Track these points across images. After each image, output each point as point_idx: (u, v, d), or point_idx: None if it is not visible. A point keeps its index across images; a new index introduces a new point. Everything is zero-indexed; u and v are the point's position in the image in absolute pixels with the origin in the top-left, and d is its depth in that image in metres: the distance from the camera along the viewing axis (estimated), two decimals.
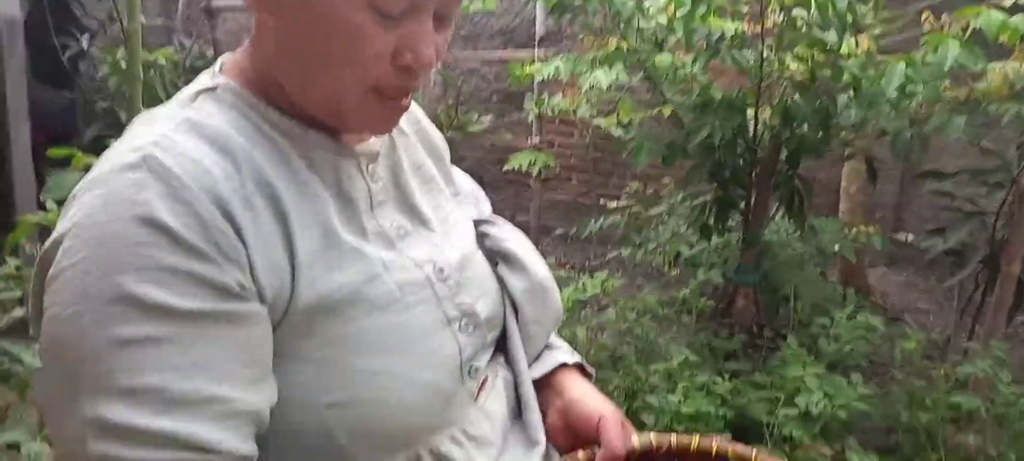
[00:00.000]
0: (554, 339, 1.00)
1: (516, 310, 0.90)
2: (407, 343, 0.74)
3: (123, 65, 4.76)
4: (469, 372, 0.81)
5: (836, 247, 3.07)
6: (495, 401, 0.86)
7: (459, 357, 0.78)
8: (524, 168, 4.31)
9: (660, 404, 2.32)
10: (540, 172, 4.31)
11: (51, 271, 0.64)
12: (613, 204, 3.25)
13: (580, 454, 0.84)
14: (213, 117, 0.71)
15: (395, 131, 0.83)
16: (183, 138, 0.67)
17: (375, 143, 0.80)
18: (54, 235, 0.66)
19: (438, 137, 0.94)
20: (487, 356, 0.86)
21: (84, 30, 5.36)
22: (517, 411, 0.91)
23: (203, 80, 0.75)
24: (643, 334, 2.68)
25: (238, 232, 0.66)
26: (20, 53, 3.58)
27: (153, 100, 3.92)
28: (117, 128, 4.19)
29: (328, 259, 0.71)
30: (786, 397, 2.21)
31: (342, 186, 0.75)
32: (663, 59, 2.56)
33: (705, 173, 2.67)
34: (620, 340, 2.80)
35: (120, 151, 0.67)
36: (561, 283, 2.82)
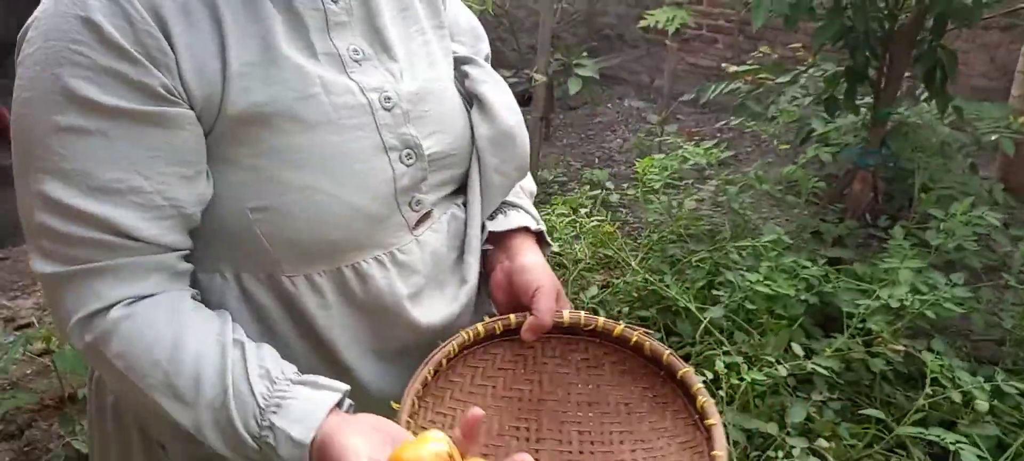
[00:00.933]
0: (524, 200, 1.00)
1: (478, 154, 0.90)
2: (335, 163, 0.75)
3: None
4: (410, 203, 0.82)
5: (993, 137, 2.70)
6: (434, 235, 0.87)
7: (393, 185, 0.80)
8: (661, 25, 4.08)
9: (735, 280, 2.21)
10: (677, 30, 4.06)
11: (18, 57, 0.70)
12: (734, 69, 3.00)
13: (512, 317, 0.86)
14: None
15: None
16: None
17: None
18: (25, 24, 0.71)
19: None
20: (439, 193, 0.87)
21: None
22: (461, 252, 0.91)
23: None
24: (739, 209, 2.53)
25: (168, 37, 0.69)
26: None
27: None
28: None
29: (264, 73, 0.73)
30: (875, 290, 2.03)
31: (293, 5, 0.75)
32: None
33: (831, 36, 2.38)
34: (718, 213, 2.67)
35: None
36: (679, 151, 2.71)
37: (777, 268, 2.27)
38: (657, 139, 2.88)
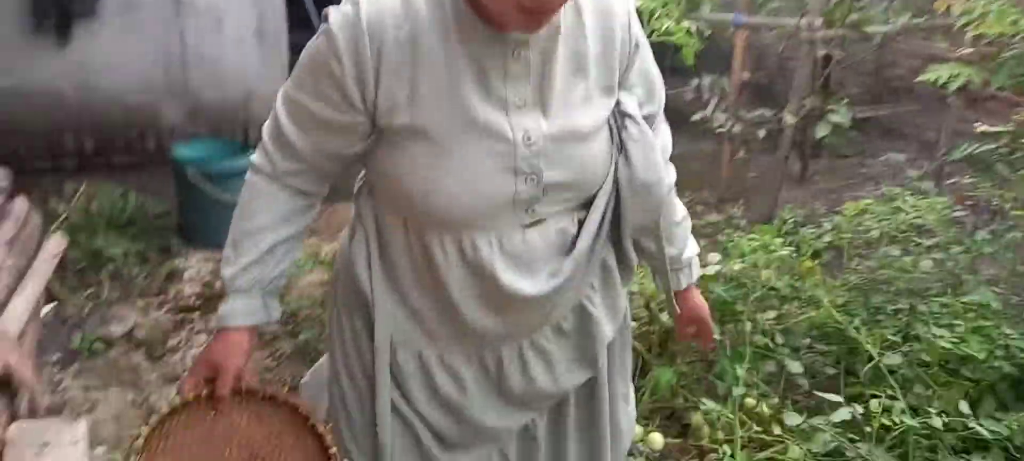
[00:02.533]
0: (685, 255, 1.41)
1: (618, 194, 1.16)
2: (470, 174, 1.07)
3: None
4: (526, 210, 1.11)
5: None
6: (538, 236, 1.15)
7: (512, 196, 1.09)
8: (942, 81, 3.89)
9: (922, 334, 2.21)
10: (961, 88, 3.85)
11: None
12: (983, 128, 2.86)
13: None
14: None
15: (565, 26, 1.08)
16: None
17: (531, 35, 1.04)
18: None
19: (621, 34, 1.14)
20: (555, 208, 1.14)
21: None
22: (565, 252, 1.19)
23: None
24: (955, 270, 2.47)
25: (376, 69, 1.03)
26: None
27: None
28: None
29: (447, 102, 1.05)
30: None
31: (482, 61, 1.05)
32: None
33: None
34: (938, 271, 2.60)
35: None
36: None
37: (976, 331, 2.21)
38: (907, 196, 2.83)
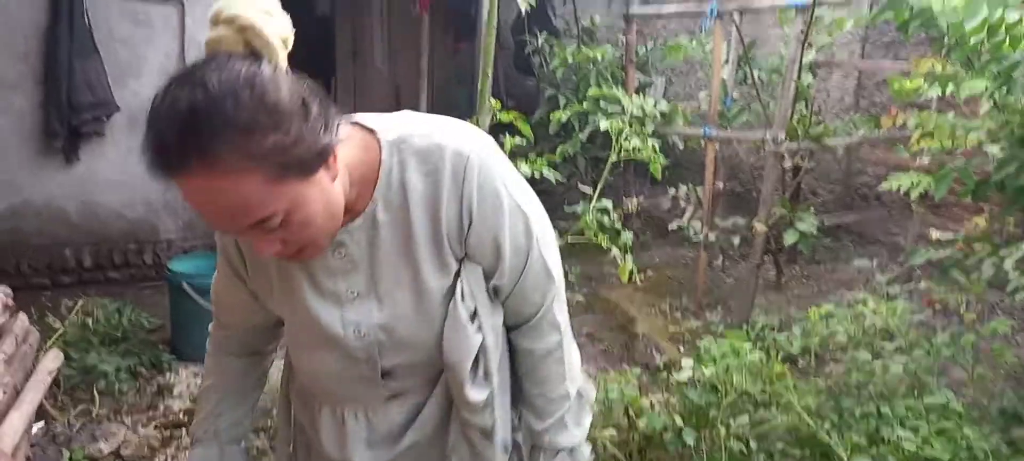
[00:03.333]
0: (550, 437, 1.22)
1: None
2: (319, 357, 1.17)
3: (569, 60, 5.84)
4: (384, 386, 1.16)
5: None
6: (397, 408, 1.19)
7: (360, 377, 1.15)
8: (904, 189, 4.10)
9: (889, 436, 2.30)
10: (921, 196, 4.05)
11: None
12: (948, 236, 3.02)
13: None
14: None
15: (389, 213, 1.05)
16: None
17: (349, 231, 1.05)
18: None
19: (453, 212, 1.04)
20: (413, 381, 1.17)
21: (553, 30, 6.64)
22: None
23: None
24: (915, 371, 2.58)
25: (239, 249, 1.19)
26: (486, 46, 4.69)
27: (587, 88, 4.82)
28: (557, 108, 5.22)
29: (290, 298, 1.14)
30: None
31: (307, 263, 1.09)
32: (975, 84, 2.41)
33: (1018, 212, 2.43)
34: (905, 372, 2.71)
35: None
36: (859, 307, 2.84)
37: (941, 433, 2.30)
38: (869, 300, 2.97)
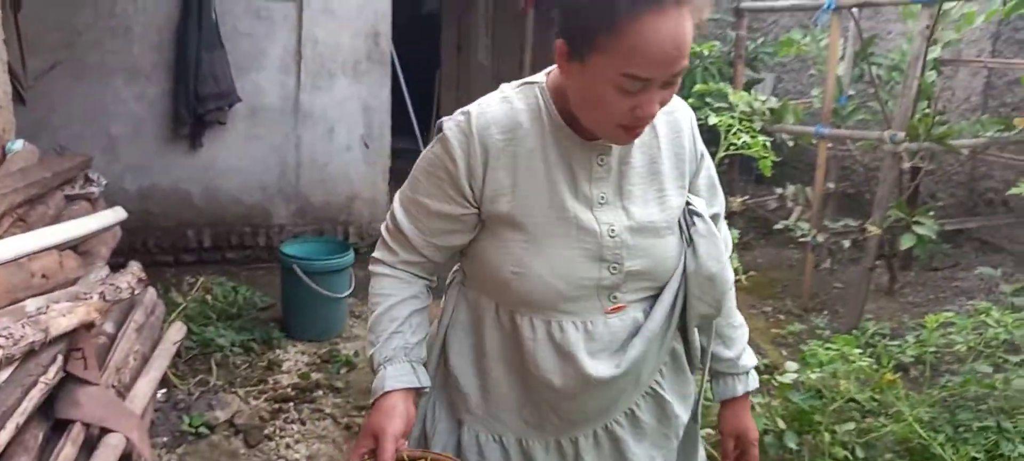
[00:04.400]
0: (743, 361, 1.43)
1: (685, 286, 1.28)
2: (562, 262, 1.21)
3: None
4: (609, 296, 1.24)
5: None
6: (619, 321, 1.27)
7: (598, 281, 1.22)
8: None
9: (1009, 452, 2.16)
10: None
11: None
12: None
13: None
14: (519, 101, 1.22)
15: (641, 138, 1.21)
16: (495, 107, 1.22)
17: (607, 143, 1.21)
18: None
19: (689, 147, 1.30)
20: (635, 295, 1.27)
21: None
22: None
23: (535, 78, 1.25)
24: None
25: (484, 163, 1.20)
26: None
27: (693, 83, 4.78)
28: None
29: (543, 197, 1.21)
30: None
31: (572, 164, 1.21)
32: None
33: None
34: None
35: (475, 102, 1.24)
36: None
37: None
38: (993, 311, 2.79)
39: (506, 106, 1.22)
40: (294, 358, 3.55)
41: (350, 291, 3.79)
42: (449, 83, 7.98)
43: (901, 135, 3.59)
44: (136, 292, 2.50)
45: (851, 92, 4.75)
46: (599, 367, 1.25)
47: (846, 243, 4.16)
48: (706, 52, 5.58)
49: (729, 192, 4.97)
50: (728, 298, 1.36)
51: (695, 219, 1.29)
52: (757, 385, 1.45)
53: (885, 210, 3.67)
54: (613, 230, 1.21)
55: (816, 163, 4.23)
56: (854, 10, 4.17)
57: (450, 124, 1.22)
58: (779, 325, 3.93)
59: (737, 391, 1.43)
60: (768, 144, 2.81)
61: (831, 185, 4.60)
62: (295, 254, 3.75)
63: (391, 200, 1.36)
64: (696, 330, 1.36)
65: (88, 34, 4.20)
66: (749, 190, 5.75)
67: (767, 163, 2.77)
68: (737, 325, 1.44)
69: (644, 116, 1.10)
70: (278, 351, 3.59)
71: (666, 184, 1.27)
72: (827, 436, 2.36)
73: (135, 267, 2.68)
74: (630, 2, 1.01)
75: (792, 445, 2.38)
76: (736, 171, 5.16)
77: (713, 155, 3.89)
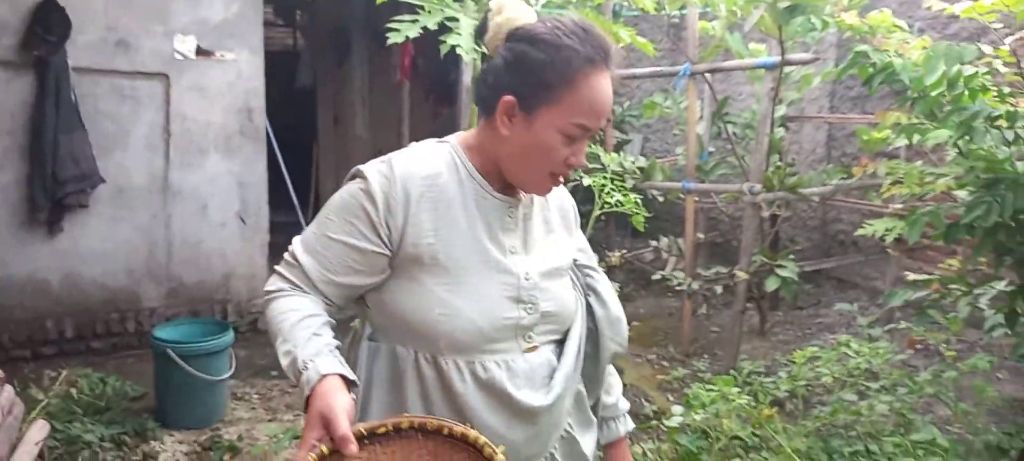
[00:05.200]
0: (620, 405, 1.56)
1: (596, 328, 1.41)
2: (484, 302, 1.27)
3: None
4: (524, 336, 1.32)
5: None
6: (536, 358, 1.34)
7: (516, 321, 1.30)
8: (878, 234, 4.20)
9: None
10: (897, 239, 4.15)
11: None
12: (924, 277, 3.11)
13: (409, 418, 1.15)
14: (435, 156, 1.30)
15: (530, 199, 1.36)
16: (414, 158, 1.29)
17: (519, 198, 1.34)
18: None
19: (570, 206, 1.48)
20: (545, 338, 1.35)
21: None
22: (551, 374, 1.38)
23: (443, 140, 1.35)
24: (899, 410, 2.62)
25: (406, 207, 1.24)
26: (470, 110, 4.73)
27: None
28: None
29: (465, 241, 1.28)
30: None
31: (487, 216, 1.30)
32: (939, 133, 2.52)
33: (988, 252, 2.51)
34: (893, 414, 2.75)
35: (390, 155, 1.30)
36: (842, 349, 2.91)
37: None
38: (851, 343, 3.04)
39: (425, 157, 1.30)
40: (172, 449, 3.34)
41: (230, 372, 3.63)
42: (327, 155, 7.90)
43: (758, 187, 3.88)
44: None
45: (711, 149, 5.09)
46: (531, 397, 1.31)
47: (718, 289, 4.40)
48: None
49: (607, 247, 5.19)
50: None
51: (590, 270, 1.43)
52: (633, 426, 1.58)
53: (751, 256, 3.93)
54: (528, 273, 1.31)
55: (685, 216, 4.48)
56: (707, 75, 4.50)
57: (371, 168, 1.27)
58: (664, 371, 4.08)
59: (620, 432, 1.55)
60: (640, 201, 2.98)
61: (701, 235, 4.88)
62: (168, 338, 3.55)
63: (271, 275, 1.35)
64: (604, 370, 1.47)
65: None
66: (626, 244, 5.99)
67: (639, 219, 2.93)
68: (612, 372, 1.55)
69: (575, 164, 1.26)
70: (153, 443, 3.36)
71: (558, 238, 1.41)
72: None
73: None
74: (584, 61, 1.20)
75: None
76: (612, 227, 5.37)
77: (589, 214, 4.11)
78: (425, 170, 1.28)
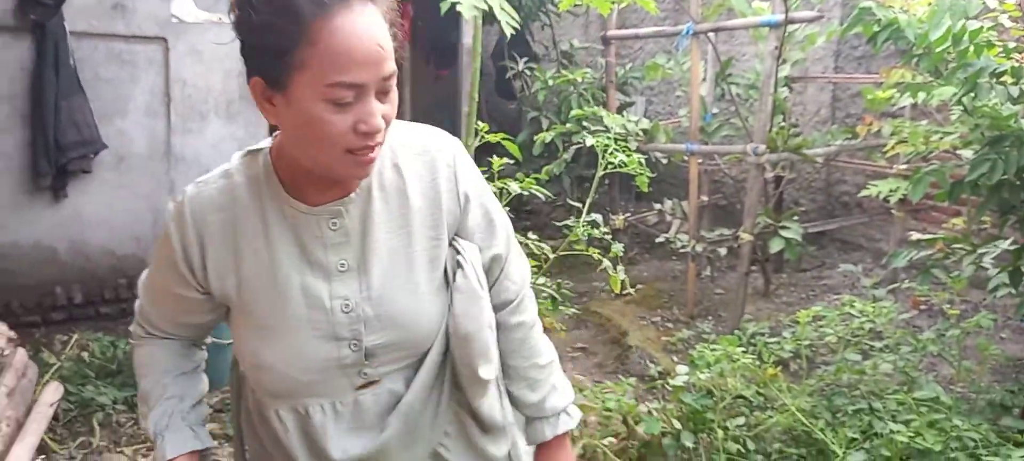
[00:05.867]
0: (549, 403, 1.29)
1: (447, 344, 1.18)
2: (294, 344, 1.11)
3: (550, 83, 5.95)
4: (357, 373, 1.14)
5: None
6: (371, 398, 1.16)
7: (338, 360, 1.12)
8: (882, 195, 4.20)
9: (882, 430, 2.36)
10: (901, 200, 4.15)
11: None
12: (928, 236, 3.12)
13: None
14: (240, 173, 1.12)
15: (384, 188, 1.12)
16: (212, 185, 1.12)
17: (344, 203, 1.09)
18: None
19: (449, 189, 1.16)
20: (390, 368, 1.16)
21: (532, 56, 6.76)
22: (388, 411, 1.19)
23: (263, 143, 1.14)
24: (904, 368, 2.65)
25: (201, 247, 1.11)
26: (472, 71, 4.70)
27: (569, 109, 4.96)
28: (539, 130, 5.33)
29: (267, 278, 1.11)
30: None
31: (300, 234, 1.10)
32: (944, 91, 2.51)
33: (992, 211, 2.52)
34: (897, 374, 2.78)
35: (196, 180, 1.14)
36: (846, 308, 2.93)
37: (932, 425, 2.37)
38: (856, 303, 3.06)
39: (225, 181, 1.12)
40: None
41: None
42: None
43: (762, 148, 3.87)
44: (5, 354, 2.32)
45: (715, 110, 5.06)
46: (348, 447, 1.15)
47: (722, 251, 4.42)
48: (580, 79, 5.84)
49: (611, 210, 5.19)
50: (523, 342, 1.27)
51: (457, 273, 1.17)
52: (572, 426, 1.31)
53: (755, 218, 3.93)
54: (347, 304, 1.11)
55: (689, 178, 4.48)
56: (710, 35, 4.47)
57: (169, 207, 1.14)
58: (668, 333, 4.11)
59: (545, 435, 1.30)
60: (643, 162, 2.97)
61: (705, 198, 4.88)
62: None
63: None
64: (493, 384, 1.23)
65: None
66: (630, 207, 6.00)
67: (643, 180, 2.93)
68: (543, 364, 1.30)
69: (369, 130, 0.98)
70: None
71: (419, 239, 1.15)
72: (720, 433, 2.49)
73: (2, 327, 2.49)
74: (314, 5, 0.94)
75: (688, 443, 2.50)
76: (616, 190, 5.37)
77: (589, 178, 4.09)
78: (220, 198, 1.11)
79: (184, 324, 1.23)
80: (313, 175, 1.06)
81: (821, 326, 2.91)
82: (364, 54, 0.96)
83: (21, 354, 2.59)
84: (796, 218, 4.15)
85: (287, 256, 1.10)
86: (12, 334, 2.44)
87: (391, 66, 0.99)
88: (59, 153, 4.08)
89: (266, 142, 1.14)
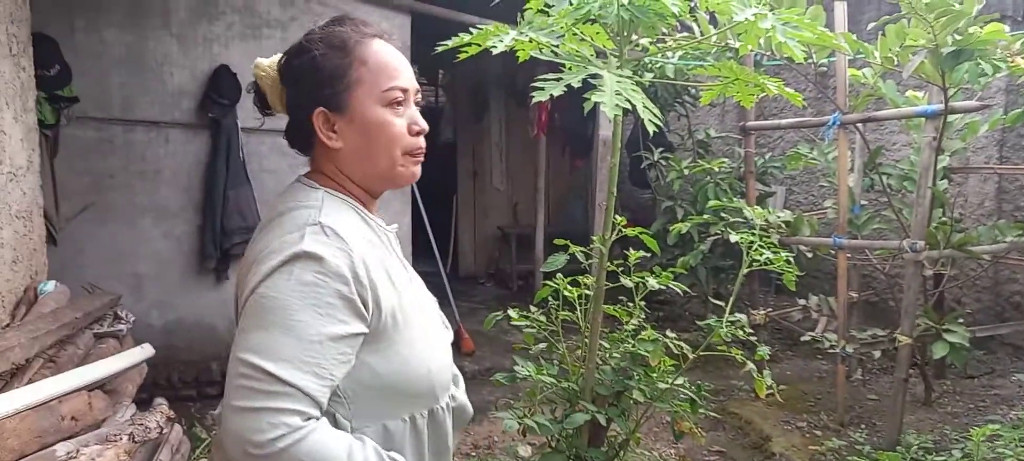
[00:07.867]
0: None
1: None
2: (442, 337, 1.30)
3: (685, 172, 5.87)
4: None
5: None
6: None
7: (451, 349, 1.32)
8: None
9: None
10: None
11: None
12: None
13: None
14: (337, 209, 1.15)
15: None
16: (337, 215, 1.14)
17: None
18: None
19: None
20: None
21: (667, 145, 6.72)
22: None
23: (309, 196, 1.16)
24: None
25: (367, 269, 1.14)
26: (610, 166, 4.76)
27: (705, 199, 4.86)
28: (674, 220, 5.25)
29: (405, 288, 1.22)
30: None
31: (396, 249, 1.28)
32: None
33: None
34: None
35: (310, 224, 1.11)
36: None
37: None
38: None
39: (342, 213, 1.15)
40: None
41: None
42: (466, 207, 8.13)
43: (921, 244, 3.60)
44: (164, 431, 2.48)
45: (863, 202, 4.80)
46: (454, 438, 1.33)
47: (876, 353, 4.10)
48: (716, 168, 5.73)
49: (751, 304, 4.97)
50: None
51: None
52: None
53: (913, 318, 3.63)
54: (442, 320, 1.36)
55: (836, 273, 4.23)
56: (858, 125, 4.27)
57: (317, 245, 1.06)
58: (816, 441, 3.81)
59: None
60: (790, 260, 2.83)
61: (853, 294, 4.58)
62: None
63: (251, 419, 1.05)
64: None
65: (119, 177, 4.34)
66: (770, 300, 5.73)
67: (790, 278, 2.78)
68: None
69: (420, 128, 1.20)
70: None
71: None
72: None
73: (163, 405, 2.67)
74: (354, 34, 1.18)
75: None
76: (756, 282, 5.16)
77: (725, 270, 3.97)
78: (355, 225, 1.16)
79: (335, 384, 1.07)
80: (369, 195, 1.24)
81: (998, 446, 2.61)
82: (403, 64, 1.20)
83: (177, 430, 2.76)
84: (961, 320, 3.79)
85: (401, 263, 1.27)
86: (172, 413, 2.60)
87: (417, 85, 1.22)
88: (224, 238, 4.43)
89: (312, 194, 1.17)
